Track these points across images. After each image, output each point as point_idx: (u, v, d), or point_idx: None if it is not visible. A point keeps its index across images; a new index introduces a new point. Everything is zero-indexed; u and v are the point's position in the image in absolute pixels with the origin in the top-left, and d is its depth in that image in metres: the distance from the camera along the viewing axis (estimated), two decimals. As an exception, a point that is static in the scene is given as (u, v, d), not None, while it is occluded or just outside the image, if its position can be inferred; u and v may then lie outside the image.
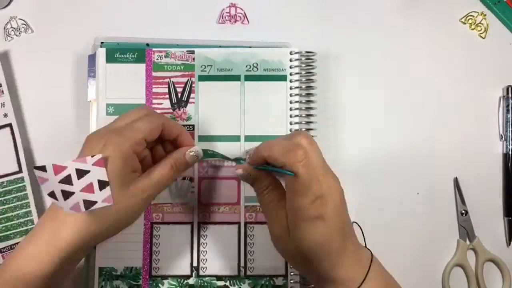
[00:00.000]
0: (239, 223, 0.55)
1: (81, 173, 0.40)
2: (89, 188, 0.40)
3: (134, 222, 0.46)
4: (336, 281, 0.41)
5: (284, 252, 0.44)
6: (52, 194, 0.40)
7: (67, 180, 0.40)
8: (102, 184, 0.41)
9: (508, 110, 0.58)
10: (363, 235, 0.47)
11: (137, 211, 0.45)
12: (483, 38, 0.60)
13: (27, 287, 0.41)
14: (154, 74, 0.55)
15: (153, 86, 0.55)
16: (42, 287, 0.42)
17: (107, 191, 0.41)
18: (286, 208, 0.42)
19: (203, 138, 0.55)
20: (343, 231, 0.42)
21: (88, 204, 0.40)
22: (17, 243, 0.55)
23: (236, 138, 0.55)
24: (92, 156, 0.40)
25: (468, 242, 0.58)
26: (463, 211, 0.58)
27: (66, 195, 0.40)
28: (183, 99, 0.55)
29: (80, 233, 0.41)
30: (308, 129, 0.55)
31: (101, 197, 0.41)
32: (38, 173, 0.40)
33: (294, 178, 0.40)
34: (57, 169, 0.40)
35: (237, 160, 0.54)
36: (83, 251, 0.45)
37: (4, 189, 0.55)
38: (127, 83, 0.54)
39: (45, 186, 0.40)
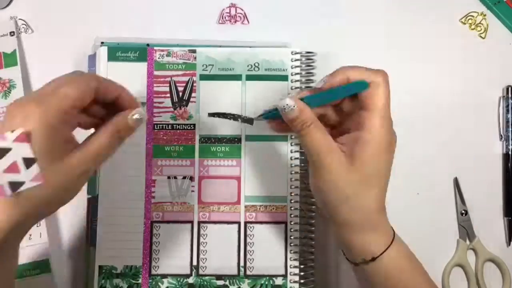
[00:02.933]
0: (239, 222, 0.55)
1: (1, 152, 0.35)
2: (13, 168, 0.36)
3: (70, 200, 0.41)
4: (378, 228, 0.43)
5: (334, 185, 0.41)
6: None
7: None
8: (28, 162, 0.36)
9: (508, 110, 0.58)
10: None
11: (73, 188, 0.40)
12: (483, 38, 0.60)
13: None
14: (155, 73, 0.55)
15: (155, 85, 0.55)
16: None
17: (35, 168, 0.36)
18: (356, 132, 0.42)
19: (204, 138, 0.55)
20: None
21: (15, 186, 0.36)
22: None
23: (237, 138, 0.55)
24: (12, 132, 0.35)
25: (468, 242, 0.58)
26: (463, 211, 0.58)
27: None
28: (184, 98, 0.55)
29: (9, 220, 0.36)
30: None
31: (29, 176, 0.36)
32: None
33: (374, 91, 0.41)
34: None
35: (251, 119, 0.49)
36: (16, 240, 0.40)
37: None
38: (129, 82, 0.54)
39: None
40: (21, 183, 0.36)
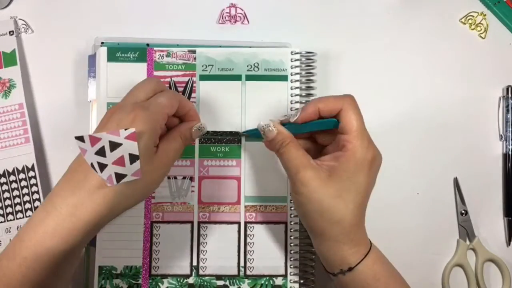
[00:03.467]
0: (239, 222, 0.55)
1: (114, 146, 0.40)
2: (120, 161, 0.40)
3: (141, 202, 0.48)
4: (354, 240, 0.44)
5: (310, 198, 0.43)
6: (92, 166, 0.40)
7: (102, 152, 0.40)
8: (133, 158, 0.41)
9: (508, 110, 0.58)
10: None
11: (157, 184, 0.46)
12: (483, 38, 0.60)
13: (49, 263, 0.40)
14: (155, 73, 0.55)
15: (154, 85, 0.55)
16: (64, 261, 0.41)
17: (137, 165, 0.41)
18: (337, 152, 0.44)
19: (204, 138, 0.55)
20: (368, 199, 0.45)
21: (119, 177, 0.41)
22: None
23: (237, 138, 0.55)
24: (125, 130, 0.40)
25: (468, 242, 0.58)
26: (463, 211, 0.58)
27: (102, 167, 0.40)
28: (183, 98, 0.55)
29: (110, 205, 0.41)
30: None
31: (131, 170, 0.41)
32: (79, 143, 0.39)
33: (346, 116, 0.43)
34: (93, 140, 0.39)
35: (242, 134, 0.55)
36: (106, 223, 0.44)
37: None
38: (128, 82, 0.55)
39: (86, 157, 0.40)
40: (124, 176, 0.41)
